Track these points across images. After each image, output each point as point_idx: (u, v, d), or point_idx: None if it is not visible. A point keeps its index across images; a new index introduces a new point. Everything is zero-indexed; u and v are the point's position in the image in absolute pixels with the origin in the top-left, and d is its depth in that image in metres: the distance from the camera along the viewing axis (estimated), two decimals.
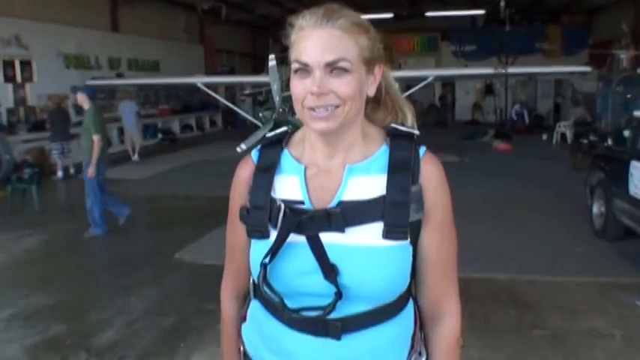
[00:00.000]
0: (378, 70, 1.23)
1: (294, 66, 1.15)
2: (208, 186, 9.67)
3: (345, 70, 1.12)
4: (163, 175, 11.78)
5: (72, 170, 11.83)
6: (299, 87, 1.15)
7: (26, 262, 6.13)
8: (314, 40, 1.13)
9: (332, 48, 1.12)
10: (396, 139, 1.23)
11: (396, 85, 1.37)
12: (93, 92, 7.00)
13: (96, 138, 6.58)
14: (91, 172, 6.64)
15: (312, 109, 1.14)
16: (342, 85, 1.12)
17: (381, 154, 1.22)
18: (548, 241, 6.33)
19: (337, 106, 1.13)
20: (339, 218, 1.14)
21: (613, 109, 10.89)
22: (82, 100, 6.82)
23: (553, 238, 6.44)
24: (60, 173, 11.52)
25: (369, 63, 1.18)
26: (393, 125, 1.26)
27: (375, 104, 1.32)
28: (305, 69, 1.13)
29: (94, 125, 6.62)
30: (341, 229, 1.14)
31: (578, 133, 14.15)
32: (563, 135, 15.46)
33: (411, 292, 1.28)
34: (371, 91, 1.23)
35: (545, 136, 16.84)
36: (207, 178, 10.66)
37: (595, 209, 6.50)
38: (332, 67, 1.12)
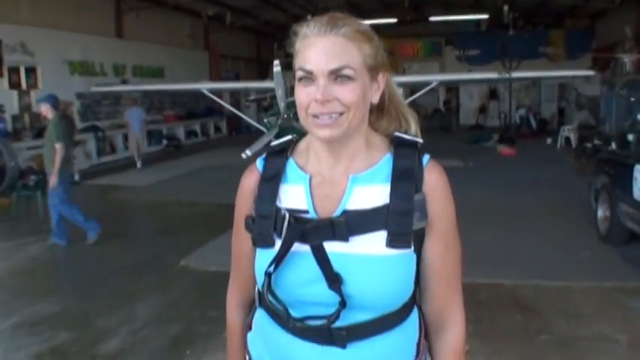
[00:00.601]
0: (381, 78, 1.23)
1: (299, 74, 1.16)
2: (213, 192, 9.68)
3: (348, 78, 1.13)
4: (168, 182, 11.77)
5: (76, 177, 11.87)
6: (303, 94, 1.16)
7: (31, 270, 6.14)
8: (318, 48, 1.14)
9: (336, 56, 1.13)
10: (399, 147, 1.24)
11: (400, 93, 1.38)
12: (56, 101, 6.93)
13: (58, 146, 6.54)
14: (52, 181, 6.60)
15: (316, 116, 1.15)
16: (346, 93, 1.13)
17: (384, 162, 1.22)
18: (553, 245, 6.32)
19: (341, 114, 1.14)
20: (343, 228, 1.15)
21: (617, 113, 10.86)
22: (46, 110, 6.75)
23: (558, 242, 6.43)
24: None
25: (373, 70, 1.19)
26: (397, 134, 1.26)
27: (378, 112, 1.32)
28: (309, 77, 1.14)
29: (56, 134, 6.58)
30: (345, 239, 1.15)
31: (582, 137, 14.12)
32: (568, 139, 15.43)
33: (416, 301, 1.28)
34: (375, 99, 1.23)
35: (549, 141, 16.85)
36: (212, 185, 10.68)
37: (599, 213, 6.49)
38: (336, 75, 1.13)
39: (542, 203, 8.47)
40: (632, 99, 10.48)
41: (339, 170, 1.22)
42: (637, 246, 5.93)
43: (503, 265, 5.67)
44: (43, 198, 8.57)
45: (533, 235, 6.76)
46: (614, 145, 7.66)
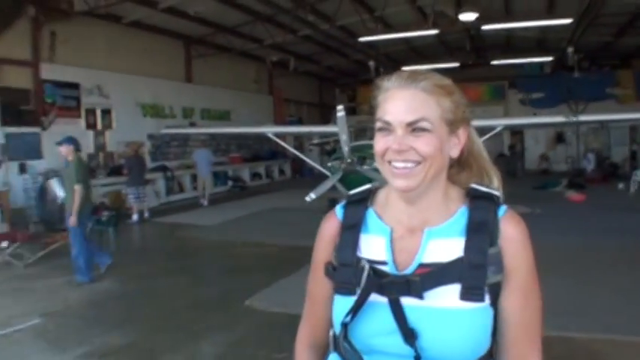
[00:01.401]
0: (462, 133, 1.26)
1: (378, 124, 1.21)
2: (279, 234, 9.84)
3: (425, 130, 1.17)
4: (234, 222, 11.95)
5: (146, 214, 12.32)
6: (381, 143, 1.20)
7: (102, 302, 6.34)
8: (397, 101, 1.19)
9: (414, 108, 1.17)
10: (475, 200, 1.25)
11: (484, 149, 1.38)
12: (77, 144, 7.14)
13: (77, 187, 6.75)
14: (72, 220, 6.79)
15: (392, 163, 1.18)
16: (422, 144, 1.17)
17: (460, 215, 1.24)
18: (628, 297, 5.97)
19: (418, 163, 1.17)
20: (418, 285, 1.16)
21: None
22: (68, 151, 6.95)
23: (634, 294, 6.08)
24: (135, 217, 12.00)
25: (452, 125, 1.22)
26: (473, 186, 1.28)
27: (460, 167, 1.34)
28: (388, 128, 1.19)
29: (76, 175, 6.81)
30: (419, 296, 1.16)
31: None
32: None
33: (492, 355, 1.25)
34: (454, 153, 1.26)
35: (621, 186, 16.16)
36: (277, 226, 10.84)
37: None
38: (413, 127, 1.17)
39: (615, 252, 8.08)
40: None
41: (416, 222, 1.25)
42: None
43: (576, 317, 5.39)
44: (115, 233, 8.92)
45: (607, 286, 6.42)
46: None
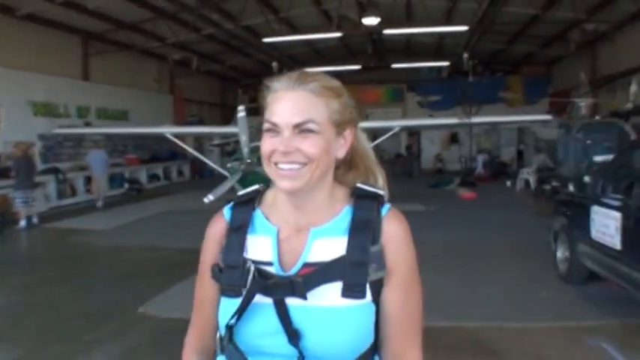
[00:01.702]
0: (349, 134, 1.27)
1: (266, 125, 1.20)
2: (175, 237, 9.58)
3: (311, 131, 1.17)
4: (129, 226, 11.57)
5: (35, 219, 11.60)
6: (268, 144, 1.19)
7: None
8: (285, 103, 1.18)
9: (301, 110, 1.17)
10: (360, 199, 1.26)
11: (370, 149, 1.40)
12: None
13: None
14: None
15: (278, 165, 1.18)
16: (308, 145, 1.17)
17: (344, 214, 1.25)
18: (513, 287, 6.38)
19: (304, 165, 1.17)
20: (301, 286, 1.16)
21: (574, 155, 11.18)
22: None
23: (519, 284, 6.49)
24: (23, 222, 11.24)
25: (339, 126, 1.23)
26: (359, 185, 1.29)
27: (346, 167, 1.35)
28: (275, 129, 1.18)
29: None
30: (303, 297, 1.16)
31: (540, 179, 14.53)
32: (527, 181, 15.83)
33: (377, 350, 1.27)
34: (340, 153, 1.27)
35: (509, 183, 17.26)
36: (174, 230, 10.58)
37: (559, 254, 6.59)
38: (300, 129, 1.17)
39: (502, 245, 8.60)
40: (588, 142, 10.81)
41: (302, 222, 1.25)
42: (596, 285, 6.02)
43: (464, 307, 5.68)
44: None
45: (494, 277, 6.82)
46: (571, 187, 7.87)
